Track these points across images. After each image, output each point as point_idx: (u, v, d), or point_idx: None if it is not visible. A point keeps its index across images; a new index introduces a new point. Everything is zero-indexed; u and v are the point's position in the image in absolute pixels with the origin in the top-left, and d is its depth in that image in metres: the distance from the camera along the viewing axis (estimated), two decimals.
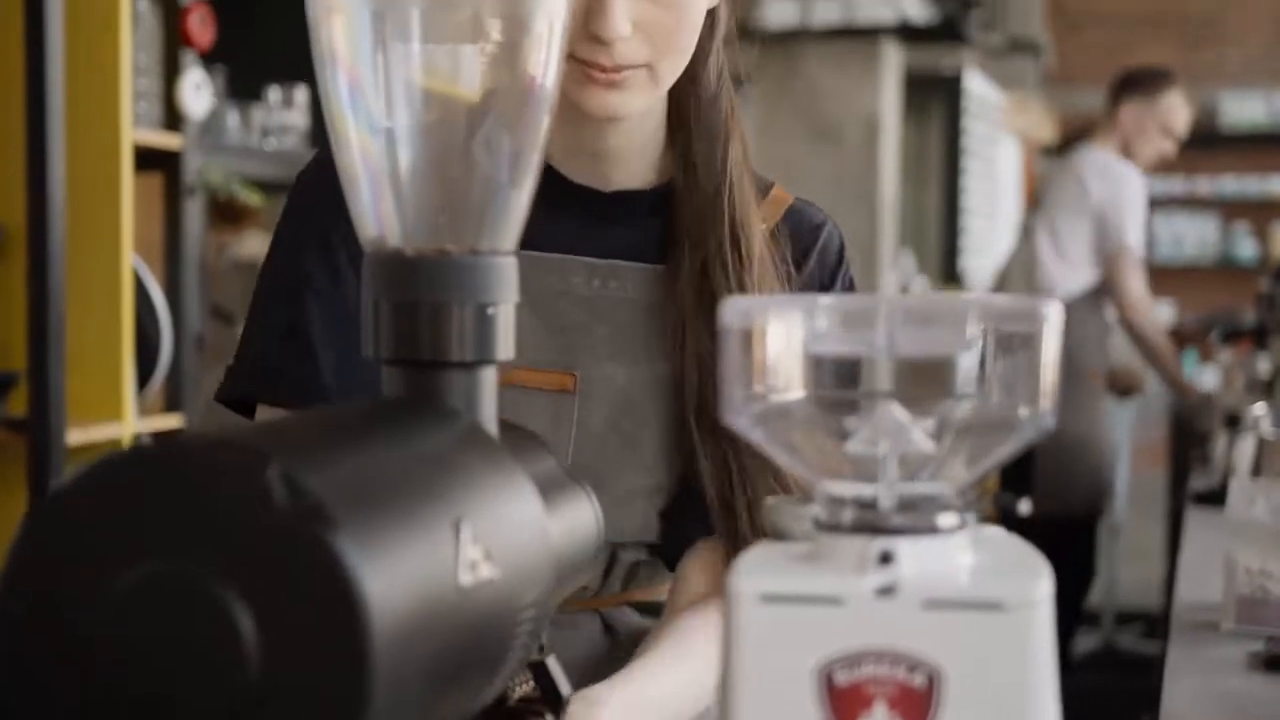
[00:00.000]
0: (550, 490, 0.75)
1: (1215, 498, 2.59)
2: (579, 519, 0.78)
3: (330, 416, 0.68)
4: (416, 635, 0.55)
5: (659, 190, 1.22)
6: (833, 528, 0.63)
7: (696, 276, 1.18)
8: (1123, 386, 4.46)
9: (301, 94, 2.98)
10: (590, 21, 1.08)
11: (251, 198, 2.76)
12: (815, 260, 1.25)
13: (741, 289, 1.17)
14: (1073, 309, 4.10)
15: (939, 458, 0.64)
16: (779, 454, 0.66)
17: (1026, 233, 4.29)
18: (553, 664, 0.77)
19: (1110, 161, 4.10)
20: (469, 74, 0.74)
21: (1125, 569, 5.26)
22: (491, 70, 0.74)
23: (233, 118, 2.86)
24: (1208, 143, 8.20)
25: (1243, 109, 8.25)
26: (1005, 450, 0.64)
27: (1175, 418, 5.01)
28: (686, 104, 1.20)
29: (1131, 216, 4.01)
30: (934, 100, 6.78)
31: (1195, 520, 2.65)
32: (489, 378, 0.73)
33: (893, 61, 5.55)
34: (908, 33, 5.49)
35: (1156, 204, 8.35)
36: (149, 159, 2.54)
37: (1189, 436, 4.33)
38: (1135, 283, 4.01)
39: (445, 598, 0.58)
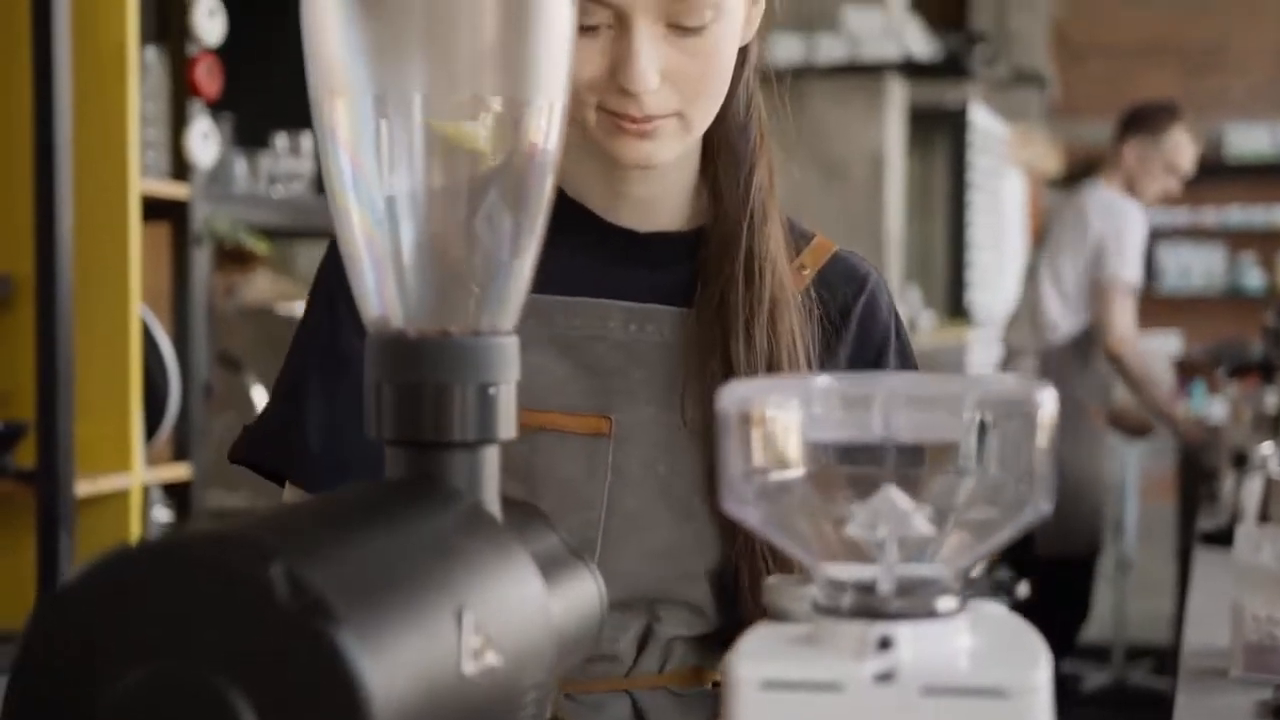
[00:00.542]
0: (552, 567, 0.75)
1: (1223, 538, 2.59)
2: (581, 595, 0.79)
3: (333, 503, 0.68)
4: None
5: (697, 231, 1.20)
6: (832, 611, 0.63)
7: (713, 310, 1.15)
8: (1133, 427, 4.45)
9: (308, 141, 3.00)
10: (618, 74, 1.07)
11: (258, 246, 2.78)
12: (859, 318, 1.21)
13: (753, 326, 1.14)
14: (1074, 347, 4.11)
15: (938, 540, 0.64)
16: (777, 537, 0.67)
17: (1031, 273, 4.30)
18: None
19: (1114, 199, 4.11)
20: (470, 152, 0.74)
21: (1135, 604, 5.24)
22: (493, 147, 0.75)
23: (240, 165, 2.87)
24: (1213, 173, 8.21)
25: (1247, 139, 8.27)
26: (1003, 535, 0.65)
27: (1183, 452, 5.00)
28: (716, 133, 1.18)
29: (1129, 251, 4.01)
30: (939, 134, 6.80)
31: (1203, 561, 2.64)
32: (491, 456, 0.73)
33: (897, 97, 5.57)
34: (912, 69, 5.51)
35: (1162, 235, 8.37)
36: (156, 208, 2.56)
37: (1197, 472, 4.33)
38: (1123, 316, 4.00)
39: (448, 687, 0.59)
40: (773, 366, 1.14)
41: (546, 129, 0.74)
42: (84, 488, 2.34)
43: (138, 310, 2.44)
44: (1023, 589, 1.02)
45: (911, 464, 0.65)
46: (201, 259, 2.62)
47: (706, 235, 1.18)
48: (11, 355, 2.41)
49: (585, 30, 1.07)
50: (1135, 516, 5.51)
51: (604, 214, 1.19)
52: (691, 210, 1.21)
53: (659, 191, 1.18)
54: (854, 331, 1.21)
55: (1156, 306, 8.34)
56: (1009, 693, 0.60)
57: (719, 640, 1.17)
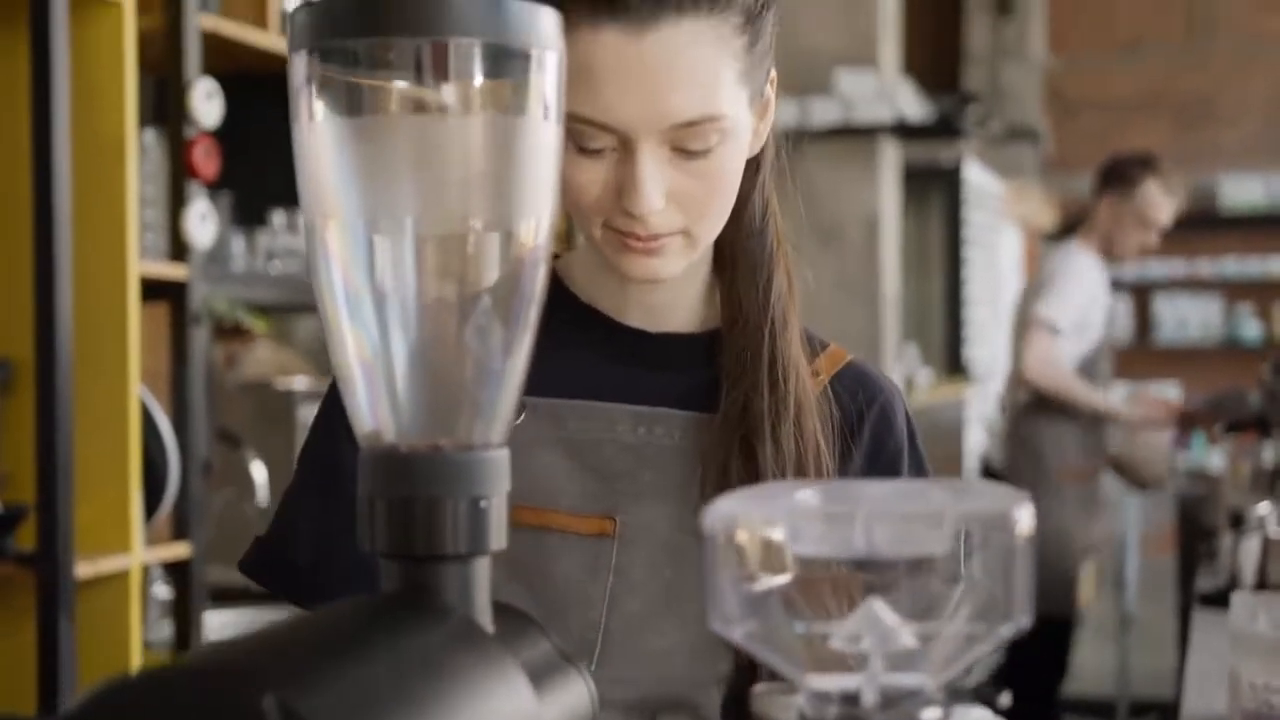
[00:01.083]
0: (544, 675, 0.76)
1: (1222, 599, 2.59)
2: (573, 703, 0.80)
3: (326, 622, 0.70)
4: None
5: (710, 333, 1.21)
6: None
7: (737, 417, 1.15)
8: (1133, 479, 4.45)
9: None
10: (623, 197, 1.08)
11: (256, 325, 2.80)
12: (872, 427, 1.21)
13: (779, 431, 1.14)
14: (1037, 404, 4.12)
15: (922, 652, 0.66)
16: (763, 651, 0.68)
17: (1012, 331, 4.34)
18: None
19: (1076, 253, 4.15)
20: (462, 267, 0.76)
21: (1138, 658, 5.23)
22: (482, 266, 0.76)
23: (238, 243, 2.90)
24: (1208, 224, 8.26)
25: (1241, 191, 8.31)
26: (985, 646, 0.66)
27: (1182, 507, 5.01)
28: (732, 243, 1.19)
29: (1061, 293, 4.02)
30: (933, 191, 6.84)
31: (1201, 623, 2.65)
32: (483, 567, 0.75)
33: (891, 158, 5.61)
34: (905, 130, 5.55)
35: (1159, 286, 8.40)
36: (155, 289, 2.58)
37: (1196, 529, 4.33)
38: (1035, 347, 4.00)
39: None
40: (800, 471, 1.15)
41: (535, 245, 0.76)
42: (84, 569, 2.35)
43: (137, 391, 2.46)
44: (1004, 699, 1.03)
45: (894, 577, 0.66)
46: (200, 338, 2.64)
47: (723, 339, 1.19)
48: (12, 438, 2.42)
49: (591, 153, 1.08)
50: (1136, 571, 5.50)
51: (616, 316, 1.20)
52: (703, 312, 1.21)
53: (670, 296, 1.20)
54: (867, 441, 1.21)
55: (1154, 358, 8.37)
56: None
57: None
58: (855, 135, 5.36)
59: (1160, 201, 4.06)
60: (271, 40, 2.92)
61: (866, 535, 0.65)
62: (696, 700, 1.16)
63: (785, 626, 0.67)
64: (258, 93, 2.57)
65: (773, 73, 1.17)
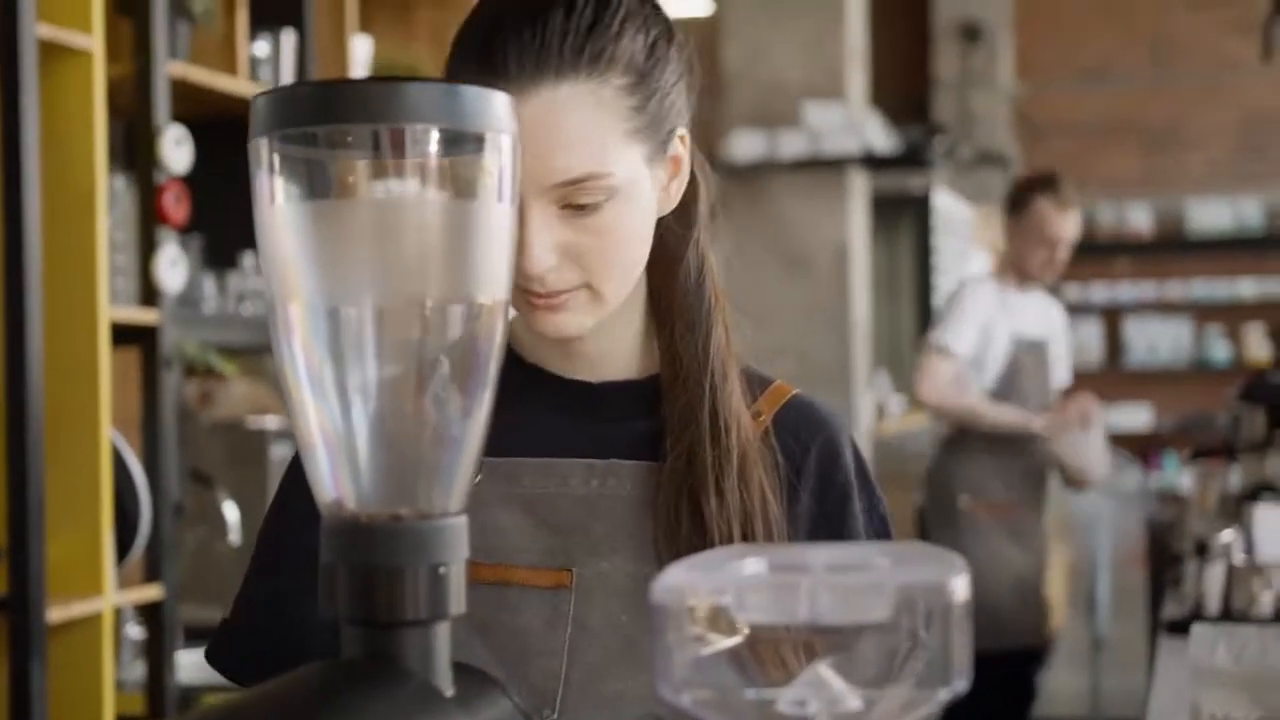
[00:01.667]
0: None
1: (1187, 626, 2.61)
2: None
3: (290, 689, 0.72)
4: None
5: (652, 378, 1.23)
6: None
7: (682, 471, 1.17)
8: (1071, 482, 4.37)
9: None
10: (516, 256, 1.12)
11: (227, 368, 2.81)
12: (817, 463, 1.23)
13: (723, 484, 1.16)
14: (949, 440, 4.13)
15: (866, 715, 0.68)
16: (711, 715, 0.70)
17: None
18: None
19: (976, 283, 4.17)
20: (420, 341, 0.78)
21: (1110, 679, 5.26)
22: (441, 335, 0.78)
23: (209, 285, 2.91)
24: (1177, 248, 8.34)
25: (1207, 214, 8.39)
26: (927, 709, 0.68)
27: (1151, 530, 5.05)
28: (668, 296, 1.22)
29: (956, 320, 4.04)
30: (903, 219, 6.89)
31: (1166, 651, 2.67)
32: (443, 632, 0.77)
33: (859, 187, 5.66)
34: (874, 161, 5.60)
35: (1129, 309, 8.47)
36: (126, 333, 2.59)
37: (1165, 552, 4.36)
38: (927, 373, 4.01)
39: None
40: (747, 522, 1.17)
41: (492, 319, 0.78)
42: (55, 613, 2.35)
43: (108, 435, 2.47)
44: None
45: (838, 643, 0.69)
46: (171, 382, 2.65)
47: (665, 394, 1.21)
48: None
49: None
50: (1108, 592, 5.54)
51: (560, 371, 1.23)
52: (644, 359, 1.24)
53: (605, 345, 1.22)
54: (814, 479, 1.23)
55: (1125, 380, 8.43)
56: None
57: None
58: (824, 166, 5.41)
59: (1052, 217, 4.03)
60: (240, 85, 2.94)
61: (811, 604, 0.68)
62: None
63: (735, 692, 0.69)
64: (227, 136, 2.58)
65: (681, 131, 1.19)
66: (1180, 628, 2.83)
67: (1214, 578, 2.77)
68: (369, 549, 0.75)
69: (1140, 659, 5.20)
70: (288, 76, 3.11)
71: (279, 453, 3.04)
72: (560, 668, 1.16)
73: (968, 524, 3.98)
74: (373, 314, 0.75)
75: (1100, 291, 8.48)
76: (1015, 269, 4.11)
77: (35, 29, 2.35)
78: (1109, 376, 8.40)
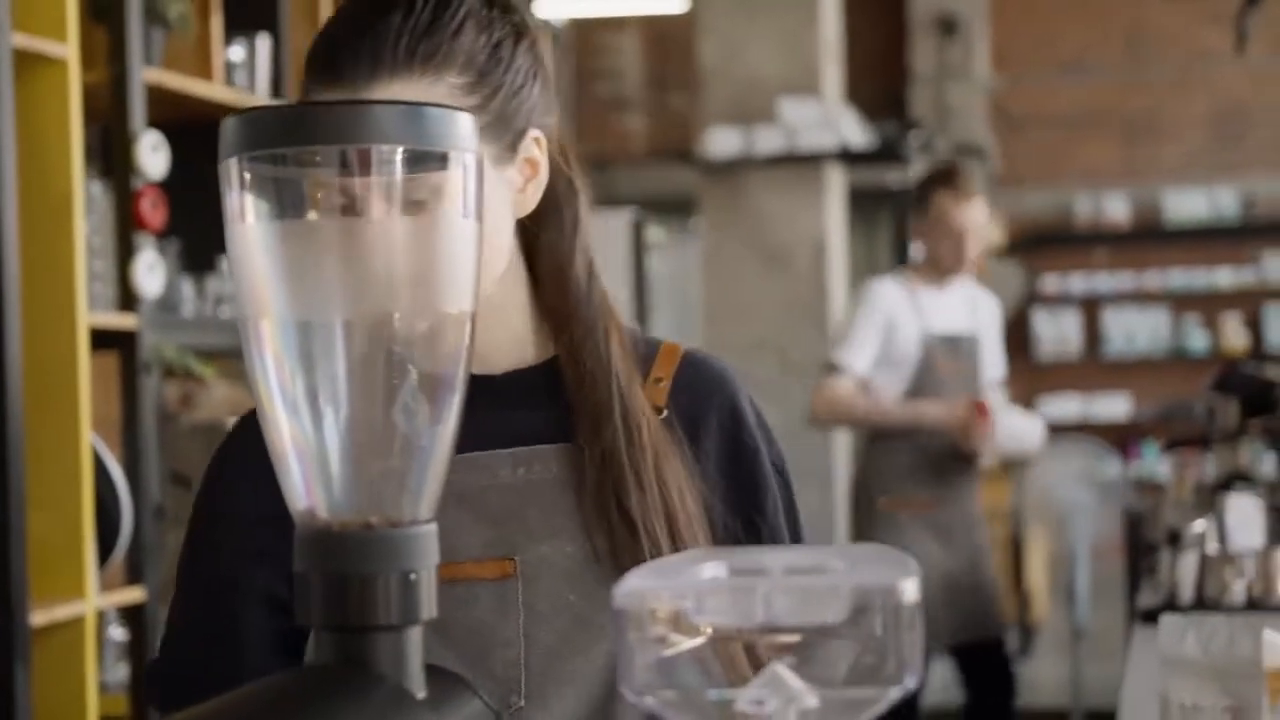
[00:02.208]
0: None
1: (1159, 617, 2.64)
2: None
3: (266, 695, 0.74)
4: None
5: (548, 365, 1.26)
6: None
7: (599, 467, 1.22)
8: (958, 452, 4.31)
9: None
10: None
11: (205, 372, 2.83)
12: (720, 427, 1.28)
13: (643, 479, 1.21)
14: (870, 440, 4.13)
15: (823, 713, 0.71)
16: (674, 715, 0.72)
17: None
18: None
19: (876, 287, 4.14)
20: (388, 354, 0.80)
21: (1091, 667, 5.30)
22: (408, 348, 0.81)
23: (187, 289, 2.93)
24: (1154, 238, 8.38)
25: (1184, 204, 8.43)
26: (880, 706, 0.71)
27: (1128, 519, 5.09)
28: (563, 306, 1.25)
29: (850, 335, 4.02)
30: (881, 213, 6.93)
31: (1140, 640, 2.70)
32: (414, 636, 0.79)
33: (836, 183, 5.68)
34: (850, 156, 5.62)
35: (1107, 300, 8.51)
36: (105, 338, 2.61)
37: (1141, 542, 4.39)
38: (814, 395, 4.02)
39: None
40: (669, 513, 1.21)
41: (458, 331, 0.80)
42: (38, 617, 2.37)
43: (88, 440, 2.48)
44: None
45: (795, 644, 0.71)
46: (150, 386, 2.67)
47: (569, 388, 1.24)
48: None
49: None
50: (1088, 582, 5.58)
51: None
52: (536, 347, 1.27)
53: (500, 336, 1.25)
54: (719, 440, 1.28)
55: (1104, 370, 8.47)
56: None
57: None
58: (801, 162, 5.43)
59: (952, 209, 4.01)
60: (216, 90, 2.95)
61: (767, 606, 0.70)
62: (630, 718, 1.21)
63: (697, 692, 0.72)
64: (203, 141, 2.59)
65: (536, 134, 1.21)
66: (1154, 617, 2.85)
67: (1187, 567, 2.79)
68: (341, 556, 0.78)
69: (1120, 648, 5.24)
70: (263, 81, 3.12)
71: None
72: (519, 655, 1.19)
73: (887, 524, 3.95)
74: (342, 327, 0.78)
75: (1078, 282, 8.51)
76: (929, 265, 4.11)
77: (10, 38, 2.37)
78: (1088, 366, 8.44)
